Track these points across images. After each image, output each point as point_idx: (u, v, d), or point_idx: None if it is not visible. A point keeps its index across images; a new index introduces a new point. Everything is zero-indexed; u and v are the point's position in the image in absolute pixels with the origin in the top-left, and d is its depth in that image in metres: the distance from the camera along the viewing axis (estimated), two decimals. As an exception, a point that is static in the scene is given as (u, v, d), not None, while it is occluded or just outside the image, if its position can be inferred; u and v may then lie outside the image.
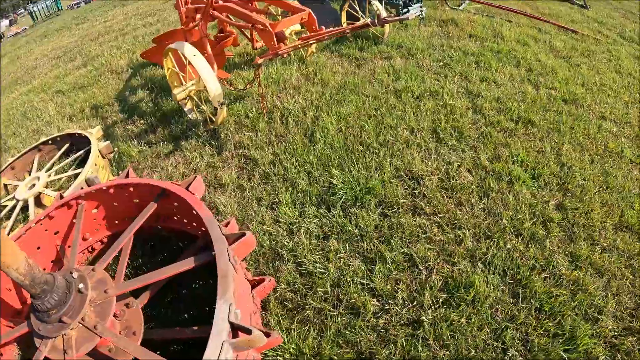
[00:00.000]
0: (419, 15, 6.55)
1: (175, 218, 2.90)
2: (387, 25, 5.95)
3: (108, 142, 4.03)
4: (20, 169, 4.89)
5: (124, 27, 11.09)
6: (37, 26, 26.93)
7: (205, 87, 3.75)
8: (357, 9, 5.90)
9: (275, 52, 3.56)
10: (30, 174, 4.61)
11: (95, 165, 3.79)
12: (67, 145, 4.69)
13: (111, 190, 2.78)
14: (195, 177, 2.50)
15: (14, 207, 4.07)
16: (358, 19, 6.01)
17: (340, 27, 3.82)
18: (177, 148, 4.21)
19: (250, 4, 4.42)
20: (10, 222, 3.93)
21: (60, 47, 12.06)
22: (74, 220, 2.92)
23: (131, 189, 2.71)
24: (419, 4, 6.50)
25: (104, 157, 4.06)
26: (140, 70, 6.82)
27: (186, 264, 2.17)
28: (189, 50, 3.85)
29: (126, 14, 13.62)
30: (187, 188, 2.44)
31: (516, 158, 3.56)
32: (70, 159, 4.39)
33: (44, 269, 3.06)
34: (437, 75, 4.96)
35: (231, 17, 4.46)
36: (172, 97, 4.17)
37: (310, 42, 3.76)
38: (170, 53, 4.30)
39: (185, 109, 4.66)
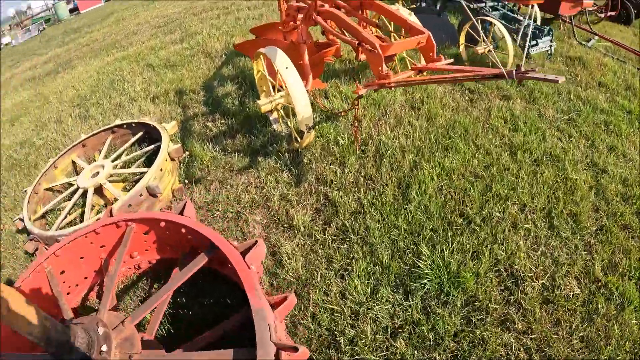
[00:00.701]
0: (547, 50, 5.82)
1: (229, 266, 2.57)
2: (510, 55, 5.27)
3: (179, 145, 3.80)
4: (91, 148, 4.87)
5: (229, 6, 11.08)
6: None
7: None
8: (480, 31, 5.27)
9: (382, 83, 3.10)
10: (100, 154, 4.54)
11: (161, 170, 3.56)
12: (140, 133, 4.59)
13: (162, 224, 2.51)
14: (256, 242, 2.13)
15: (76, 190, 3.99)
16: (476, 42, 5.40)
17: (464, 71, 3.19)
18: (252, 165, 3.90)
19: (360, 12, 3.96)
20: (69, 205, 3.85)
21: (164, 15, 12.37)
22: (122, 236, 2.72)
23: (183, 230, 2.42)
24: (549, 37, 5.75)
25: (172, 160, 3.84)
26: (234, 58, 6.60)
27: (223, 355, 1.81)
28: (281, 61, 3.48)
29: (237, -10, 13.63)
30: (243, 253, 2.09)
31: (634, 273, 2.85)
32: (139, 152, 4.27)
33: (85, 278, 2.92)
34: (560, 132, 4.25)
35: (337, 26, 4.04)
36: (256, 106, 3.83)
37: (424, 82, 3.22)
38: (261, 56, 3.98)
39: (270, 118, 4.35)
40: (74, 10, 30.91)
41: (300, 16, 4.36)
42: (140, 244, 2.81)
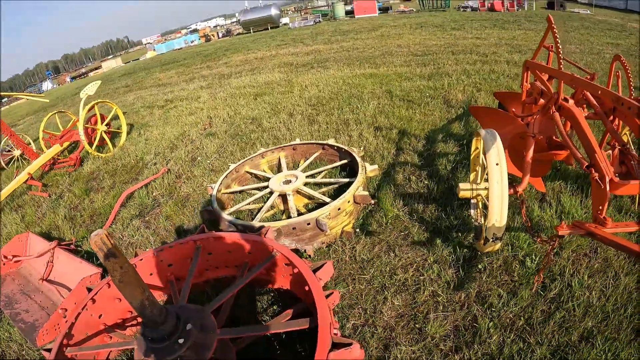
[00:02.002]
0: None
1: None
2: None
3: (367, 193, 3.80)
4: (300, 153, 5.34)
5: (488, 54, 10.73)
6: (421, 12, 30.27)
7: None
8: None
9: (591, 233, 2.51)
10: (304, 162, 4.90)
11: (339, 209, 3.63)
12: (345, 161, 4.83)
13: (296, 270, 2.62)
14: (351, 345, 1.94)
15: (265, 187, 4.44)
16: None
17: None
18: (427, 244, 3.63)
19: (611, 119, 3.08)
20: (255, 197, 4.31)
21: (425, 45, 12.71)
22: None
23: (307, 288, 2.43)
24: None
25: (356, 203, 3.88)
26: (470, 117, 6.17)
27: None
28: (494, 154, 3.06)
29: (501, 38, 13.20)
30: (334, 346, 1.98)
31: None
32: (332, 179, 4.47)
33: (226, 267, 3.25)
34: None
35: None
36: (456, 189, 3.50)
37: None
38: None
39: (472, 201, 4.00)
40: (350, 12, 34.55)
41: (542, 101, 3.88)
42: (281, 269, 2.91)
